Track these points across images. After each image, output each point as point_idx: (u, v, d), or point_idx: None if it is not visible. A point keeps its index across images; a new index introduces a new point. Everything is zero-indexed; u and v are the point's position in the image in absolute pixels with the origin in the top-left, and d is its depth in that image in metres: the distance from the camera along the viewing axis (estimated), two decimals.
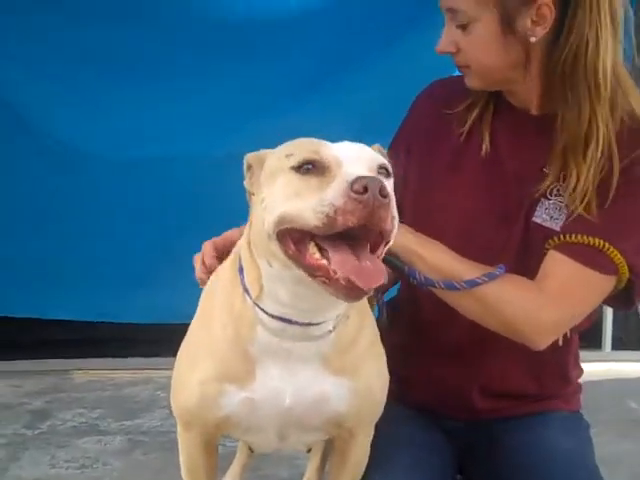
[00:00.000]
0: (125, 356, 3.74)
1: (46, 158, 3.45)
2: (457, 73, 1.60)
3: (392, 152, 1.70)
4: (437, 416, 1.68)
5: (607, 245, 1.41)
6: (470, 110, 1.59)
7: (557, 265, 1.45)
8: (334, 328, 1.26)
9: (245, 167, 1.28)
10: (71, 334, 3.72)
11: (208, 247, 1.50)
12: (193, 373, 1.33)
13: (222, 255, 1.44)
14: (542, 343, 1.48)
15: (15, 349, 3.67)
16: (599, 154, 1.41)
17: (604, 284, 1.45)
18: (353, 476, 1.48)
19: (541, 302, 1.44)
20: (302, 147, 1.15)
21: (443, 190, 1.61)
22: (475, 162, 1.58)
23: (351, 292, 1.07)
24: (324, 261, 1.08)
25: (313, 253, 1.09)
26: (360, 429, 1.41)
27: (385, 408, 1.43)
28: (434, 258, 1.44)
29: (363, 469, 1.48)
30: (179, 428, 1.45)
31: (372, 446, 1.47)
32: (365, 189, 1.01)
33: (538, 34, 1.41)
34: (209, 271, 1.45)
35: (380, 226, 1.04)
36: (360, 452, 1.46)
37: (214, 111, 3.44)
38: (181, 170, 3.45)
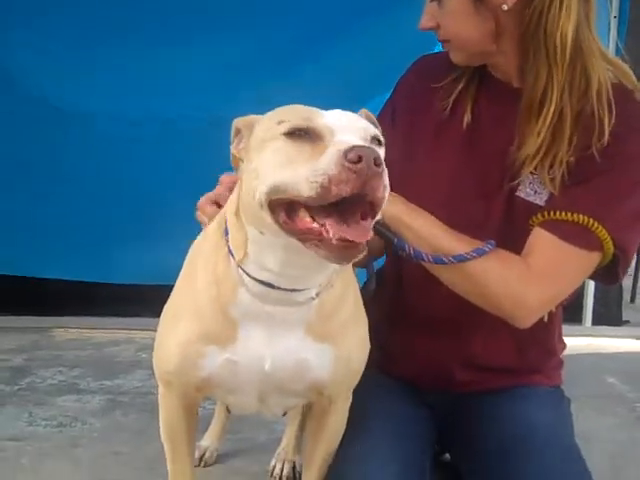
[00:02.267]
0: (107, 315, 3.73)
1: (39, 117, 3.47)
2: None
3: (379, 121, 1.71)
4: (418, 387, 1.69)
5: (592, 221, 1.41)
6: (455, 83, 1.60)
7: (542, 243, 1.45)
8: (317, 295, 1.26)
9: (233, 132, 1.25)
10: (53, 292, 3.69)
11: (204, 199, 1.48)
12: (175, 333, 1.33)
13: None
14: (527, 322, 1.49)
15: None
16: (549, 121, 1.42)
17: (590, 260, 1.46)
18: (330, 442, 1.49)
19: (527, 281, 1.44)
20: (294, 114, 1.13)
21: (425, 161, 1.61)
22: (457, 134, 1.58)
23: (344, 252, 1.05)
24: (316, 225, 1.06)
25: (304, 217, 1.07)
26: (339, 395, 1.42)
27: (367, 378, 1.43)
28: (423, 230, 1.44)
29: (341, 435, 1.49)
30: (160, 389, 1.45)
31: (353, 416, 1.48)
32: (360, 158, 1.00)
33: (510, 1, 1.41)
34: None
35: (373, 195, 1.03)
36: (338, 418, 1.47)
37: (205, 75, 3.45)
38: (173, 132, 3.45)
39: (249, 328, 1.28)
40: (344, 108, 1.19)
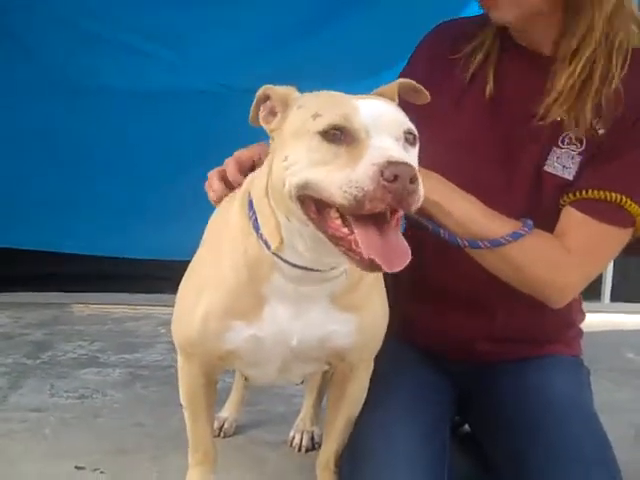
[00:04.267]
0: (127, 291, 3.76)
1: (56, 91, 3.42)
2: (460, 16, 1.62)
3: None
4: (440, 357, 1.69)
5: (625, 199, 1.41)
6: (476, 51, 1.57)
7: (577, 223, 1.45)
8: (346, 269, 1.27)
9: (260, 97, 1.21)
10: (73, 268, 3.71)
11: (214, 174, 1.47)
12: (198, 305, 1.33)
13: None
14: (563, 302, 1.50)
15: (17, 281, 3.68)
16: (581, 67, 1.41)
17: (623, 237, 1.46)
18: (351, 409, 1.50)
19: (565, 264, 1.45)
20: (330, 107, 1.10)
21: (444, 129, 1.58)
22: (478, 102, 1.56)
23: (372, 268, 1.06)
24: (346, 230, 1.07)
25: (336, 218, 1.07)
26: (360, 363, 1.44)
27: (388, 347, 1.44)
28: (462, 216, 1.42)
29: (361, 402, 1.50)
30: (180, 358, 1.46)
31: (375, 384, 1.49)
32: (395, 177, 0.99)
33: None
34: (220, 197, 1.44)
35: (407, 209, 1.03)
36: (359, 386, 1.48)
37: (221, 47, 3.39)
38: (191, 105, 3.41)
39: (275, 305, 1.29)
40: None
